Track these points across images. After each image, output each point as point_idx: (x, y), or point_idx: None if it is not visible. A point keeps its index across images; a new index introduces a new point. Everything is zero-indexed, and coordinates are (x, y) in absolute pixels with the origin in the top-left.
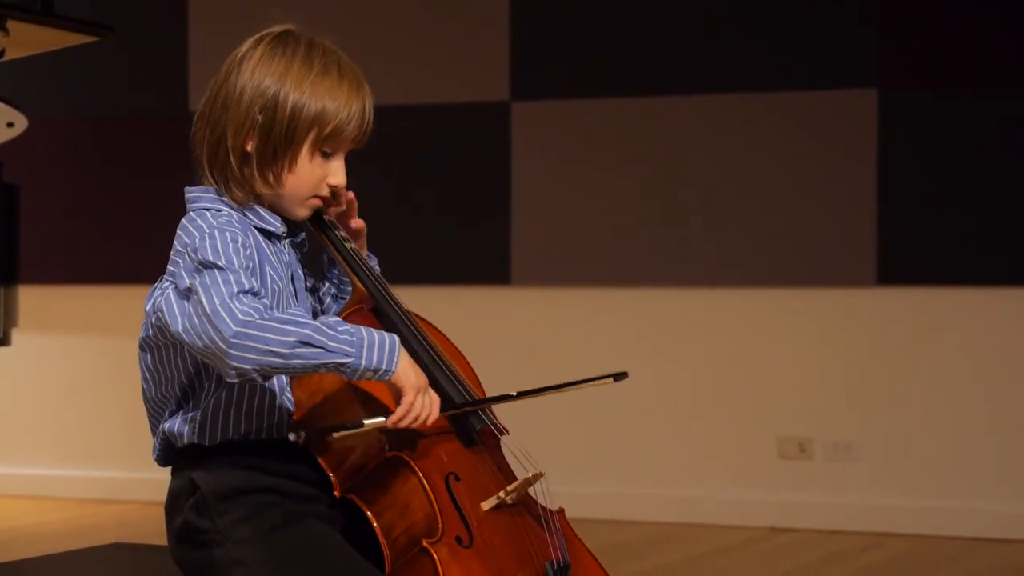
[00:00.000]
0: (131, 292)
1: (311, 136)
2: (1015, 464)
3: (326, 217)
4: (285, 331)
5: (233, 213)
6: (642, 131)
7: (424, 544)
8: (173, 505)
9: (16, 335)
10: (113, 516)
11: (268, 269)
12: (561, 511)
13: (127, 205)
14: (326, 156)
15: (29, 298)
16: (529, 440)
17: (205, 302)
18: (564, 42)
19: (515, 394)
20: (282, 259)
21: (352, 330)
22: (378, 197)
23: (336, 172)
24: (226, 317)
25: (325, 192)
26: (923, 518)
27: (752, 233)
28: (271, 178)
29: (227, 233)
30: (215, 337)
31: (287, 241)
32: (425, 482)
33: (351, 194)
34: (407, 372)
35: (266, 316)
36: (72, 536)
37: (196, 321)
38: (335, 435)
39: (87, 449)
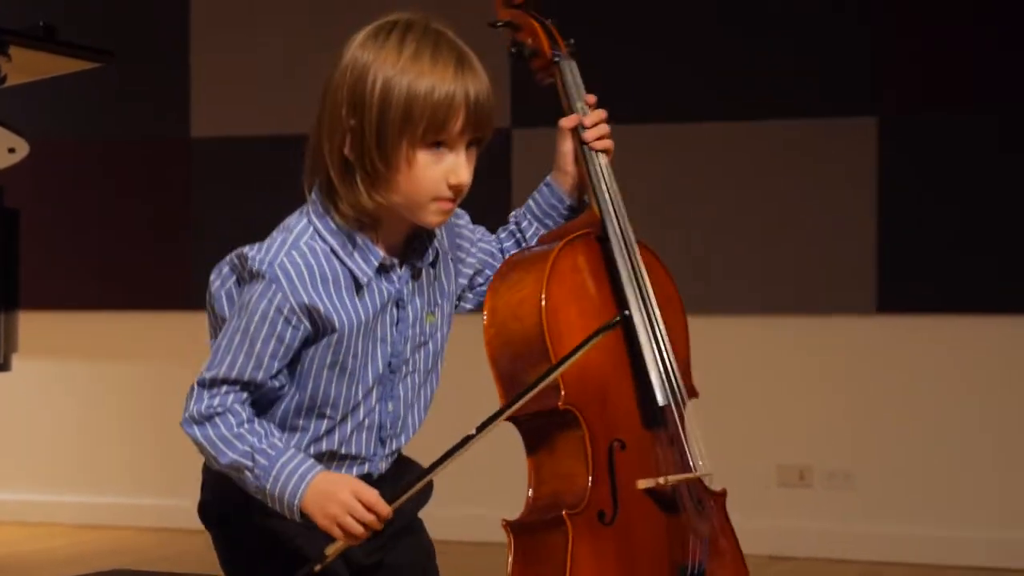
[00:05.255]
0: (131, 317)
1: (406, 136)
2: (1013, 493)
3: (590, 145)
4: (222, 451)
5: (319, 247)
6: (639, 158)
7: (563, 515)
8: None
9: (16, 360)
10: (111, 542)
11: (337, 316)
12: (723, 493)
13: (129, 229)
14: (437, 151)
15: (29, 323)
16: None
17: (207, 366)
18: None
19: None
20: (375, 296)
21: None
22: None
23: (455, 169)
24: (192, 398)
25: (447, 193)
26: (922, 547)
27: (751, 260)
28: (379, 187)
29: (275, 308)
30: (188, 399)
31: (407, 267)
32: (589, 446)
33: (604, 113)
34: (318, 507)
35: (221, 428)
36: (71, 562)
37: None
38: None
39: (86, 475)
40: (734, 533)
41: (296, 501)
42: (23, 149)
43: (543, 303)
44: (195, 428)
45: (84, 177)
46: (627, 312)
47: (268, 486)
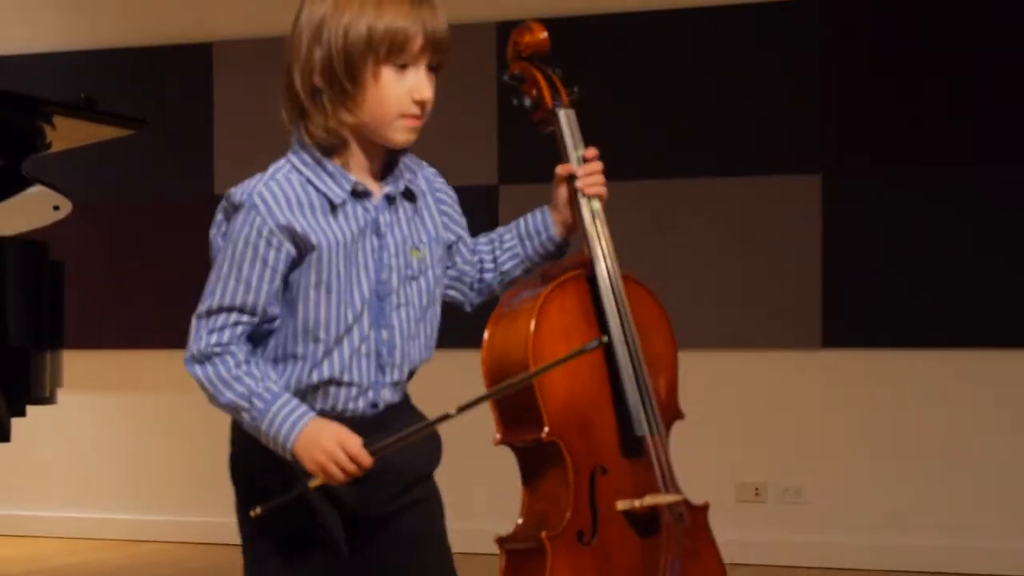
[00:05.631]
0: (161, 355)
1: (370, 56)
2: (937, 506)
3: (582, 191)
4: (220, 392)
5: (294, 177)
6: (614, 211)
7: (542, 537)
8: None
9: (61, 394)
10: (149, 555)
11: (315, 234)
12: (705, 506)
13: (157, 279)
14: (401, 71)
15: (71, 361)
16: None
17: (201, 299)
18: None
19: (488, 393)
20: (348, 224)
21: (265, 422)
22: None
23: (419, 86)
24: (192, 335)
25: (413, 109)
26: (863, 554)
27: (712, 302)
28: (348, 105)
29: (256, 231)
30: (189, 336)
31: (382, 196)
32: (571, 473)
33: (600, 164)
34: (307, 451)
35: (220, 370)
36: (116, 573)
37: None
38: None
39: (125, 494)
40: (714, 543)
41: (288, 445)
42: (66, 207)
43: (530, 342)
44: (196, 367)
45: (118, 233)
46: (605, 338)
47: (263, 427)
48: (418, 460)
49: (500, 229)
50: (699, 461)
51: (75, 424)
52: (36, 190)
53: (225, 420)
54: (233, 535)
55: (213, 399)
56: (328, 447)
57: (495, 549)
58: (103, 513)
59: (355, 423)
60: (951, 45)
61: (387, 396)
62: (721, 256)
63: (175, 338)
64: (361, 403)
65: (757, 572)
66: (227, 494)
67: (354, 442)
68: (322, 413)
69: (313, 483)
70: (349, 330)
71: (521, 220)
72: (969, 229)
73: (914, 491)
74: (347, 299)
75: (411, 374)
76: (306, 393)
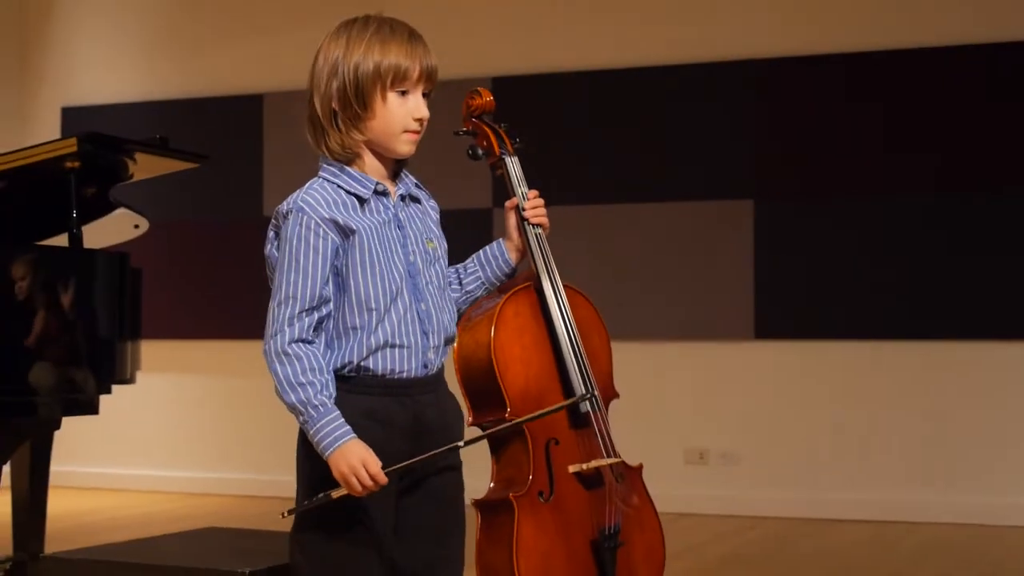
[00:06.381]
0: (219, 344)
1: (378, 85)
2: (844, 466)
3: (529, 220)
4: (286, 391)
5: (327, 186)
6: (594, 231)
7: (510, 497)
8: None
9: (139, 375)
10: (209, 506)
11: (354, 222)
12: (640, 467)
13: (216, 283)
14: (403, 96)
15: (148, 349)
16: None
17: (272, 295)
18: (534, 161)
19: (483, 431)
20: (376, 216)
21: (318, 429)
22: None
23: (419, 107)
24: (267, 329)
25: (414, 126)
26: (787, 506)
27: (666, 302)
28: (359, 126)
29: (305, 227)
30: (266, 331)
31: (397, 196)
32: (530, 445)
33: (542, 200)
34: (335, 464)
35: (289, 372)
36: (178, 521)
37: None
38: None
39: (190, 454)
40: (649, 496)
41: (326, 454)
42: (144, 225)
43: (491, 342)
44: (271, 363)
45: (184, 245)
46: (588, 395)
47: (311, 432)
48: (455, 425)
49: (465, 262)
50: (654, 431)
51: (150, 400)
52: (120, 212)
53: (267, 400)
54: (271, 489)
55: (278, 395)
56: (353, 463)
57: (471, 508)
58: (171, 471)
59: (412, 384)
60: (857, 101)
61: (432, 358)
62: (673, 266)
63: (229, 330)
64: (414, 363)
65: (701, 520)
66: (269, 457)
67: (375, 463)
68: (384, 376)
69: (336, 493)
70: (395, 300)
71: (481, 251)
72: (872, 245)
73: (825, 455)
74: (388, 275)
75: (446, 343)
76: (368, 358)
